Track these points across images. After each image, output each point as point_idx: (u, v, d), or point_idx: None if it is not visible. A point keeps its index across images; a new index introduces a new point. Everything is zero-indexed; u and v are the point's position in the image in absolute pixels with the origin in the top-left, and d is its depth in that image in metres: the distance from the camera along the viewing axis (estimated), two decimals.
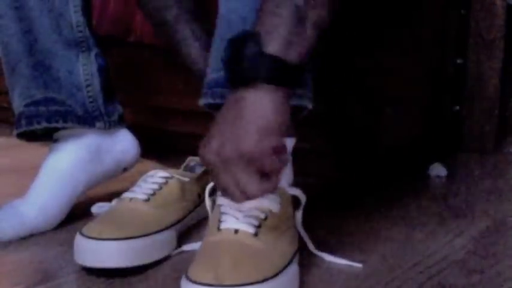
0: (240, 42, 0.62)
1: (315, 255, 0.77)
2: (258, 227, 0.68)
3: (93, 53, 0.93)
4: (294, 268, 0.69)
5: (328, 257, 0.77)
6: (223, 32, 0.71)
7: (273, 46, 0.61)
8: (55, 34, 0.90)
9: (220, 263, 0.62)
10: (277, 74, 0.62)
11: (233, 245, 0.66)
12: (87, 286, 0.71)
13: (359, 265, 0.76)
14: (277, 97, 0.62)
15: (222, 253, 0.64)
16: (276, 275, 0.64)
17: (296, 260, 0.71)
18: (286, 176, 0.76)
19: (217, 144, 0.62)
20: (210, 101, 0.72)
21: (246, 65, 0.61)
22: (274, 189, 0.66)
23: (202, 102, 0.73)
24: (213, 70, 0.72)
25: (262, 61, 0.61)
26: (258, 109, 0.61)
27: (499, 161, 1.46)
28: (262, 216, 0.69)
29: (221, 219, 0.69)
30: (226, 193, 0.65)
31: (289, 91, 0.63)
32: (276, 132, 0.62)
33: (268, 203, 0.70)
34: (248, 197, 0.63)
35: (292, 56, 0.62)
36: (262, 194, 0.64)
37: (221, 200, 0.71)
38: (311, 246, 0.78)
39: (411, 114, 1.40)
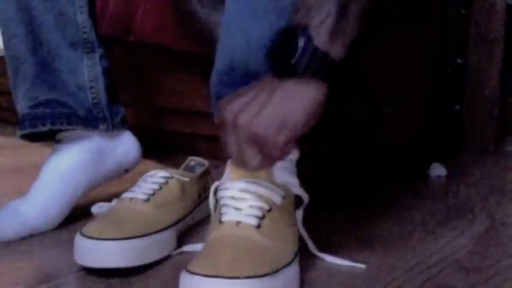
0: (290, 35, 0.62)
1: (314, 255, 0.77)
2: (262, 218, 0.68)
3: (97, 55, 0.93)
4: (294, 268, 0.69)
5: (329, 258, 0.77)
6: (223, 34, 0.72)
7: (320, 41, 0.61)
8: (59, 35, 0.90)
9: (220, 256, 0.62)
10: (324, 68, 0.62)
11: (235, 238, 0.65)
12: (87, 286, 0.71)
13: (362, 266, 0.75)
14: (318, 92, 0.62)
15: (223, 247, 0.64)
16: (276, 271, 0.63)
17: (297, 260, 0.70)
18: (291, 179, 0.76)
19: (239, 108, 0.62)
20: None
21: (298, 58, 0.61)
22: (268, 166, 0.66)
23: (214, 110, 0.74)
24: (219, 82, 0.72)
25: (313, 55, 0.61)
26: (295, 101, 0.61)
27: (499, 161, 1.46)
28: (267, 207, 0.69)
29: (222, 212, 0.69)
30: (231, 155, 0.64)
31: (327, 87, 0.63)
32: (299, 130, 0.62)
33: (271, 194, 0.70)
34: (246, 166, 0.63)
35: (337, 51, 0.62)
36: (258, 169, 0.64)
37: (222, 192, 0.71)
38: (312, 246, 0.78)
39: (411, 114, 1.40)
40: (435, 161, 1.29)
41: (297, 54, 0.61)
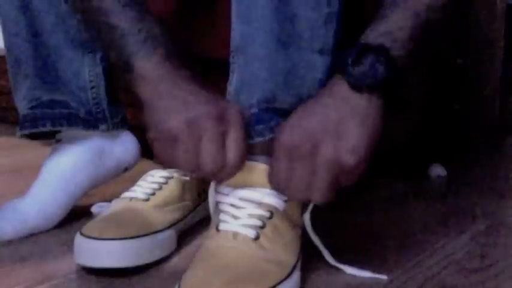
0: (370, 53, 0.63)
1: (314, 255, 0.77)
2: (262, 227, 0.66)
3: (98, 55, 0.93)
4: (295, 277, 0.67)
5: (349, 270, 0.74)
6: (244, 69, 0.71)
7: (398, 60, 0.64)
8: (61, 34, 0.89)
9: (213, 279, 0.60)
10: (392, 84, 0.64)
11: (231, 253, 0.64)
12: (87, 286, 0.71)
13: (384, 277, 0.72)
14: (382, 105, 0.64)
15: (216, 266, 0.62)
16: (274, 286, 0.62)
17: (298, 266, 0.69)
18: None
19: (317, 135, 0.62)
20: (250, 141, 0.70)
21: (379, 75, 0.63)
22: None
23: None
24: (246, 107, 0.70)
25: (391, 74, 0.63)
26: (370, 116, 0.63)
27: (499, 161, 1.46)
28: (267, 214, 0.67)
29: (220, 219, 0.67)
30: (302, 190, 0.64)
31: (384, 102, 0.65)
32: (371, 149, 0.64)
33: (273, 200, 0.68)
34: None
35: (406, 65, 0.65)
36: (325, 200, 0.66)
37: (221, 197, 0.70)
38: (329, 257, 0.75)
39: (411, 114, 1.40)
40: (435, 161, 1.29)
41: (378, 72, 0.63)
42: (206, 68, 0.93)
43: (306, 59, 0.69)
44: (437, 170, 1.26)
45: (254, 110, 0.70)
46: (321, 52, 0.70)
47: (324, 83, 0.69)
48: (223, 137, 0.64)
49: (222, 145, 0.64)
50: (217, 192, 0.71)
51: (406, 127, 1.37)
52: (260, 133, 0.69)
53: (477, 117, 1.52)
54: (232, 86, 0.71)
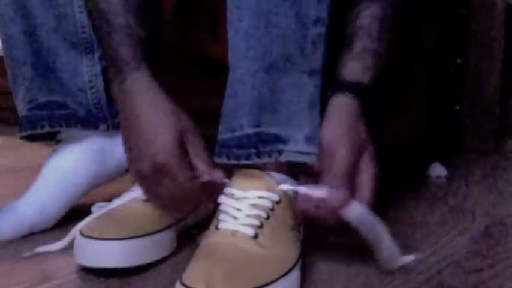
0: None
1: (314, 255, 0.77)
2: (260, 227, 0.67)
3: (97, 55, 0.93)
4: (294, 275, 0.67)
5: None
6: (233, 94, 0.71)
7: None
8: (59, 35, 0.89)
9: (213, 270, 0.60)
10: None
11: (230, 248, 0.64)
12: (87, 286, 0.71)
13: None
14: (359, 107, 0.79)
15: (217, 258, 0.63)
16: (273, 281, 0.62)
17: (298, 266, 0.69)
18: (287, 179, 0.75)
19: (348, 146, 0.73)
20: (225, 160, 0.71)
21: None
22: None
23: (217, 160, 0.73)
24: (227, 130, 0.72)
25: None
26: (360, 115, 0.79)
27: (499, 161, 1.46)
28: (265, 215, 0.68)
29: (220, 218, 0.68)
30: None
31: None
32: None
33: (269, 202, 0.69)
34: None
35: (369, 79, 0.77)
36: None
37: (222, 198, 0.71)
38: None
39: (411, 114, 1.40)
40: (435, 161, 1.29)
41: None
42: (208, 67, 0.93)
43: (294, 80, 0.69)
44: (437, 170, 1.26)
45: (238, 134, 0.70)
46: (310, 73, 0.70)
47: (315, 104, 0.71)
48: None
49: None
50: (223, 194, 0.72)
51: (406, 127, 1.37)
52: (236, 157, 0.70)
53: (477, 117, 1.52)
54: (224, 106, 0.72)
